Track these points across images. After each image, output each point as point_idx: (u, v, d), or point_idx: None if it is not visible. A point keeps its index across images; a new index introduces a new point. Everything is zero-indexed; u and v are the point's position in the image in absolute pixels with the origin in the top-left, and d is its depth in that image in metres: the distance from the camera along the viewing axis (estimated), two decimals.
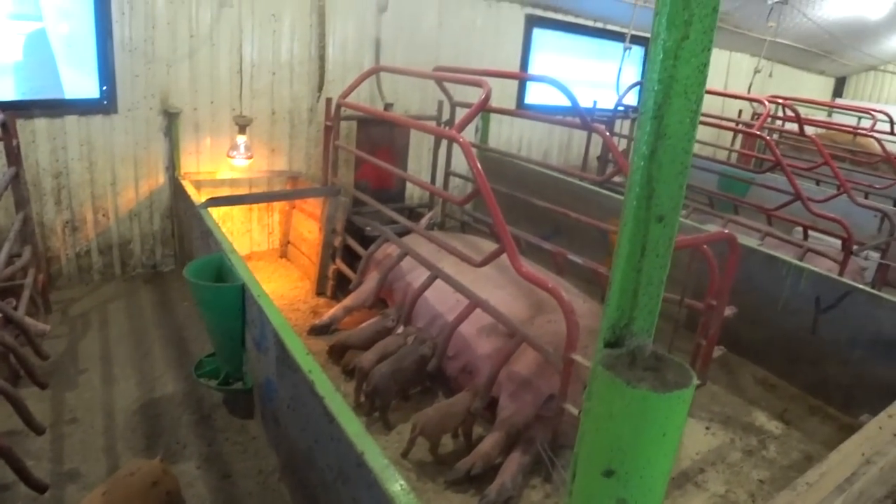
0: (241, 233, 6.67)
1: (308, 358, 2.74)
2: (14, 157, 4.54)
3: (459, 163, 6.82)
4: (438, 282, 4.51)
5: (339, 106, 5.62)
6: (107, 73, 5.45)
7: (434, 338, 4.37)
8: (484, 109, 4.67)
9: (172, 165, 5.96)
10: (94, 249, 5.85)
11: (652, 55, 1.01)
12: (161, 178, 6.00)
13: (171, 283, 6.01)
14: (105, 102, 5.52)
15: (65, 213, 5.59)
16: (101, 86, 5.47)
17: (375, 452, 2.16)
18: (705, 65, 1.01)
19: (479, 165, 3.62)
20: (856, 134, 9.03)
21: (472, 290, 4.17)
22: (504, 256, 3.59)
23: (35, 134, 5.24)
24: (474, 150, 3.93)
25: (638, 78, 9.65)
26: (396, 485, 2.03)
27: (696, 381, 1.14)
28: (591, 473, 1.25)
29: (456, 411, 3.70)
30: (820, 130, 9.92)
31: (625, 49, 8.79)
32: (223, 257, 3.99)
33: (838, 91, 15.25)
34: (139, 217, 6.02)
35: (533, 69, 8.56)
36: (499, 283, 4.44)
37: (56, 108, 5.32)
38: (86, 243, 5.78)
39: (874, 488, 2.63)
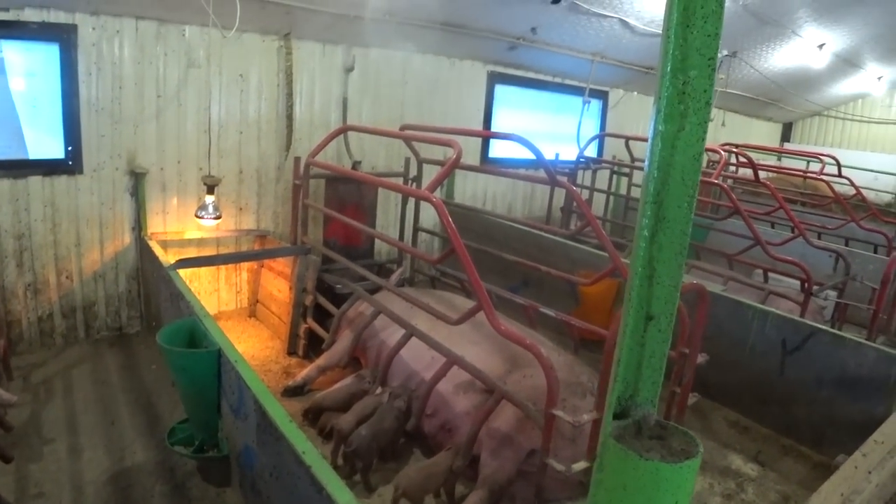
0: (209, 292, 6.58)
1: (292, 426, 2.70)
2: None
3: (427, 217, 6.90)
4: (413, 339, 4.51)
5: (307, 165, 5.66)
6: (72, 133, 5.41)
7: (412, 391, 4.35)
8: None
9: (139, 226, 5.90)
10: (57, 312, 5.70)
11: (651, 145, 1.07)
12: (127, 239, 5.92)
13: (137, 346, 5.86)
14: (70, 163, 5.46)
15: (27, 276, 5.46)
16: (66, 146, 5.42)
17: None
18: (700, 153, 1.08)
19: (453, 225, 3.65)
20: (806, 177, 9.40)
21: (447, 347, 4.17)
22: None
23: None
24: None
25: (597, 130, 9.96)
26: None
27: (701, 449, 1.17)
28: None
29: (438, 471, 3.67)
30: (772, 174, 10.30)
31: (584, 103, 9.12)
32: (196, 321, 3.93)
33: (786, 136, 15.93)
34: (104, 278, 5.90)
35: (496, 123, 8.76)
36: (473, 339, 4.44)
37: (19, 168, 5.25)
38: (48, 306, 5.64)
39: None
